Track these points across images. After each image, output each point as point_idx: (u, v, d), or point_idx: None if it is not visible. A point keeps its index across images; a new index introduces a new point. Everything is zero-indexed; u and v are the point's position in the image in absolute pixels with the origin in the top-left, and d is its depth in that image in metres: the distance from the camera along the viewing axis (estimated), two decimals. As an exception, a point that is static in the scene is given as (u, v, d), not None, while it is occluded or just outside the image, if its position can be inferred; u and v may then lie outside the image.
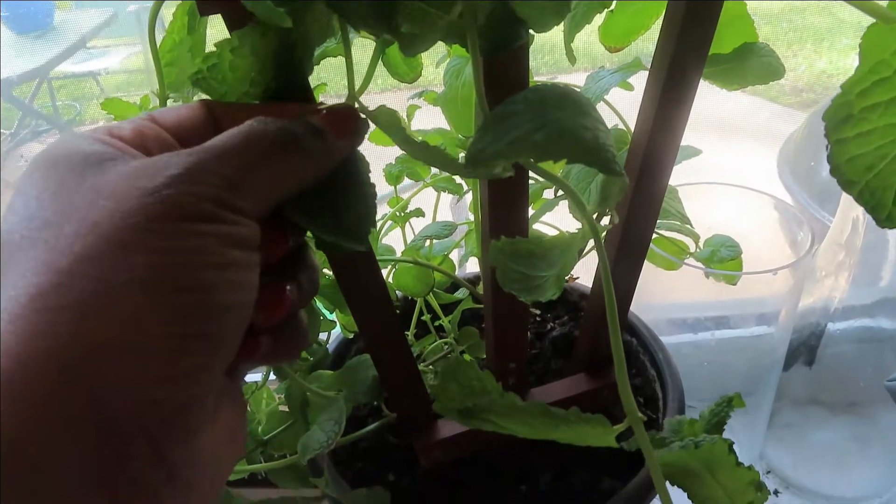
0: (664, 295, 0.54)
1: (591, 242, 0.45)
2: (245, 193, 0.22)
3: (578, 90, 0.28)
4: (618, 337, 0.25)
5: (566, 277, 0.44)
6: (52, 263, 0.19)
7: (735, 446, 0.29)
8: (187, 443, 0.21)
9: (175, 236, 0.20)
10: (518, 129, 0.22)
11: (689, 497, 0.32)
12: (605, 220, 0.39)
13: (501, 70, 0.27)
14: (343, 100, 0.27)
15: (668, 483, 0.32)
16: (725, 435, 0.31)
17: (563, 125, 0.22)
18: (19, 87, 2.17)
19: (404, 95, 0.48)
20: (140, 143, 0.23)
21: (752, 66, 0.37)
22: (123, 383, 0.19)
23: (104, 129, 0.23)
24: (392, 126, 0.25)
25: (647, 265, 0.39)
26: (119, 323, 0.19)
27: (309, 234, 0.38)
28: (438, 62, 0.43)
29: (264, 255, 0.24)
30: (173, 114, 0.25)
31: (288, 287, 0.25)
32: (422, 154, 0.24)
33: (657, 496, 0.42)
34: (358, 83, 0.27)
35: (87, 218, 0.20)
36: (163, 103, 0.32)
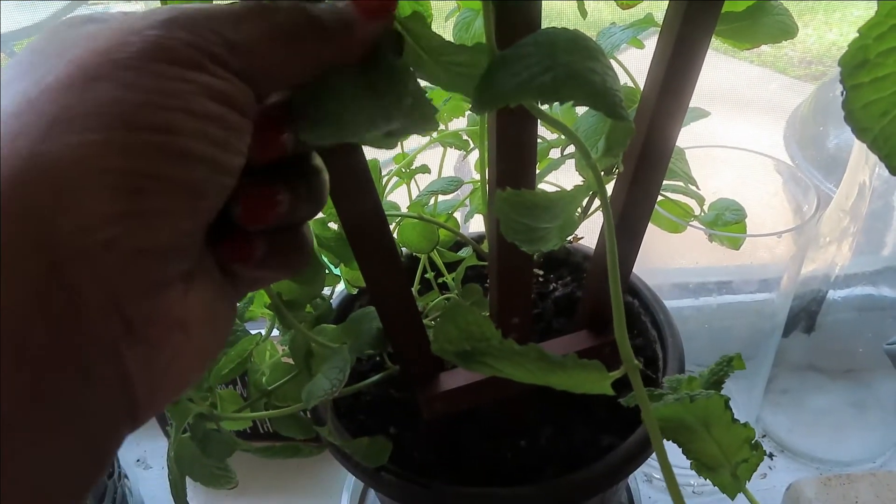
0: (668, 259, 0.54)
1: (597, 203, 0.45)
2: (242, 55, 0.21)
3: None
4: (617, 285, 0.25)
5: (570, 237, 0.44)
6: (24, 92, 0.19)
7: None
8: (147, 298, 0.20)
9: (150, 75, 0.20)
10: (526, 71, 0.22)
11: (683, 452, 0.32)
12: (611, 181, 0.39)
13: (513, 17, 0.26)
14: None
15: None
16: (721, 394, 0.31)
17: (571, 68, 0.22)
18: (20, 43, 2.15)
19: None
20: None
21: (765, 24, 0.36)
22: (74, 215, 0.18)
23: None
24: (424, 34, 0.24)
25: (651, 228, 0.39)
26: (75, 150, 0.19)
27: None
28: (448, 16, 0.42)
29: (254, 150, 0.23)
30: None
31: (280, 191, 0.24)
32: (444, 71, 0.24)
33: (654, 453, 0.42)
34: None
35: (65, 54, 0.20)
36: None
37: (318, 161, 0.27)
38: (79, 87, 0.19)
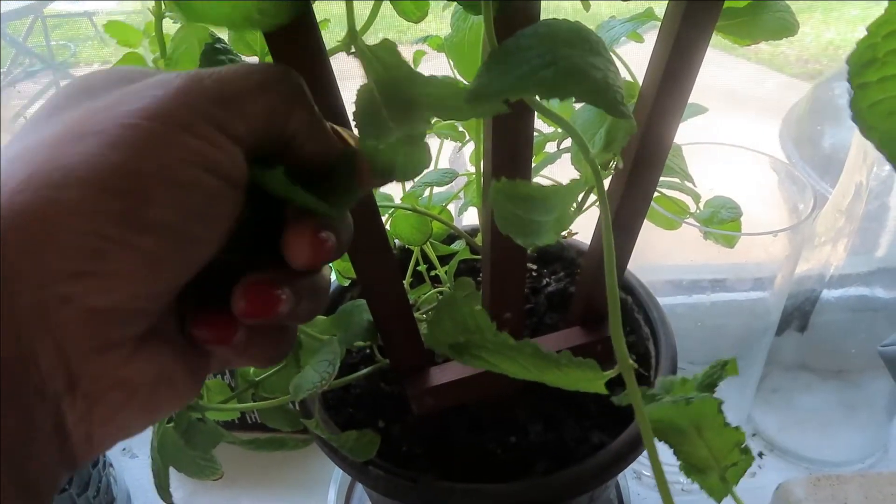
0: (662, 257, 0.54)
1: (592, 198, 0.45)
2: (237, 115, 0.21)
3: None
4: (614, 282, 0.24)
5: (564, 232, 0.44)
6: (25, 144, 0.20)
7: (723, 407, 0.29)
8: (94, 356, 0.20)
9: (138, 136, 0.20)
10: (526, 65, 0.21)
11: (674, 453, 0.32)
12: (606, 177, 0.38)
13: (511, 13, 0.26)
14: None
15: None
16: (714, 397, 0.31)
17: (572, 63, 0.21)
18: (13, 25, 2.13)
19: (405, 51, 0.47)
20: None
21: (766, 20, 0.36)
22: (35, 269, 0.19)
23: None
24: (393, 63, 0.23)
25: (646, 225, 0.39)
26: (47, 204, 0.19)
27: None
28: (445, 6, 0.41)
29: (305, 255, 0.23)
30: None
31: (282, 293, 0.23)
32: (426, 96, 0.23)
33: (645, 452, 0.42)
34: (361, 25, 0.27)
35: (72, 109, 0.21)
36: (158, 22, 0.31)
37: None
38: (68, 142, 0.19)
